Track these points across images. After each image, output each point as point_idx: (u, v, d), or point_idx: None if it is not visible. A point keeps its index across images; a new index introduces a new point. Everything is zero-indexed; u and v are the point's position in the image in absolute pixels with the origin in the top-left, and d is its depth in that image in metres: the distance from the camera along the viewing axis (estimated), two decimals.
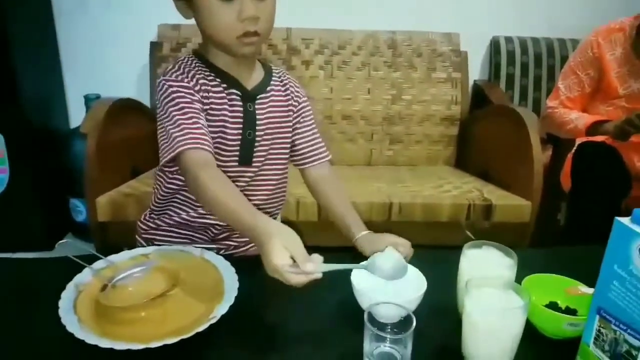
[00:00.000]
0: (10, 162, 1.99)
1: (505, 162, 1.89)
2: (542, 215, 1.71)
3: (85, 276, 0.80)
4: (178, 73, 0.88)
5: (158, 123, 0.88)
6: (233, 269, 0.81)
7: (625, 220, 0.57)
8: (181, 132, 0.82)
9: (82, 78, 2.33)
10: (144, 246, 1.03)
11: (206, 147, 0.83)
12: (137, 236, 1.07)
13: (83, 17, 2.26)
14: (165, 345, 0.62)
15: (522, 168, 1.72)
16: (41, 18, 2.17)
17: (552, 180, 1.76)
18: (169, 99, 0.85)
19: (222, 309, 0.69)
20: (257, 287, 0.74)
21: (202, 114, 0.86)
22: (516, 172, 1.77)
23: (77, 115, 2.34)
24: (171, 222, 0.99)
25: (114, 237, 1.63)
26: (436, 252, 0.93)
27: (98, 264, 0.83)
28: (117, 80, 2.31)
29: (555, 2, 2.42)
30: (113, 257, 0.85)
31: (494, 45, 2.39)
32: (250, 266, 0.73)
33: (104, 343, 0.62)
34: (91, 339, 0.63)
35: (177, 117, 0.83)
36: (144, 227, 1.03)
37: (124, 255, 0.87)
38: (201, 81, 0.88)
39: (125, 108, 1.81)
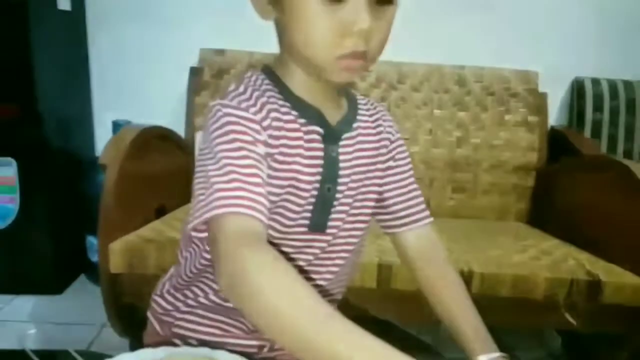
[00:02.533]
0: (22, 190, 1.77)
1: (604, 226, 1.54)
2: None
3: None
4: (243, 98, 0.59)
5: (198, 165, 0.58)
6: None
7: None
8: (229, 185, 0.53)
9: (113, 102, 2.13)
10: (158, 331, 0.74)
11: (259, 216, 0.53)
12: (149, 313, 0.77)
13: (118, 35, 2.09)
14: None
15: (633, 235, 1.38)
16: (72, 34, 2.00)
17: None
18: (222, 132, 0.56)
19: None
20: None
21: (264, 162, 0.57)
22: (623, 241, 1.43)
23: (102, 142, 2.12)
24: (199, 302, 0.69)
25: (128, 293, 1.35)
26: None
27: None
28: (150, 106, 2.09)
29: None
30: None
31: (577, 87, 2.08)
32: None
33: None
34: None
35: (229, 161, 0.54)
36: (162, 305, 0.73)
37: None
38: (273, 114, 0.60)
39: (155, 138, 1.56)
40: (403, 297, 1.26)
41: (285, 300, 0.45)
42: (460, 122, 2.00)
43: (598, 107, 2.04)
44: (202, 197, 0.54)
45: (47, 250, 1.86)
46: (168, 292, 0.73)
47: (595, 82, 2.07)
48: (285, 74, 0.63)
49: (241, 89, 0.60)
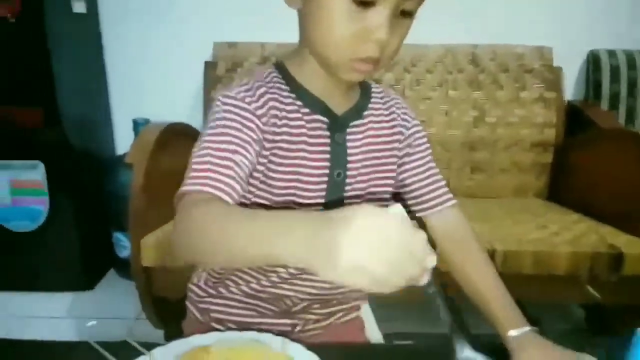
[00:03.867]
0: (50, 192, 1.82)
1: (625, 198, 1.55)
2: None
3: None
4: (242, 89, 0.63)
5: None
6: None
7: None
8: (201, 167, 0.58)
9: (130, 100, 2.16)
10: (197, 318, 0.78)
11: (223, 195, 0.57)
12: (187, 302, 0.81)
13: (132, 35, 2.11)
14: None
15: None
16: (87, 36, 2.03)
17: None
18: (212, 118, 0.62)
19: None
20: None
21: (250, 147, 0.61)
22: None
23: (123, 141, 2.17)
24: (233, 292, 0.73)
25: (160, 285, 1.40)
26: None
27: None
28: (167, 103, 2.12)
29: None
30: (159, 352, 0.59)
31: (593, 60, 2.06)
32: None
33: None
34: None
35: (207, 146, 0.59)
36: (200, 293, 0.77)
37: (174, 347, 0.60)
38: (271, 103, 0.64)
39: (176, 134, 1.59)
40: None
41: (211, 219, 0.52)
42: (476, 102, 1.99)
43: (615, 79, 2.02)
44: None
45: (77, 248, 1.91)
46: (205, 282, 0.77)
47: (612, 53, 2.04)
48: (298, 64, 0.66)
49: (245, 80, 0.65)
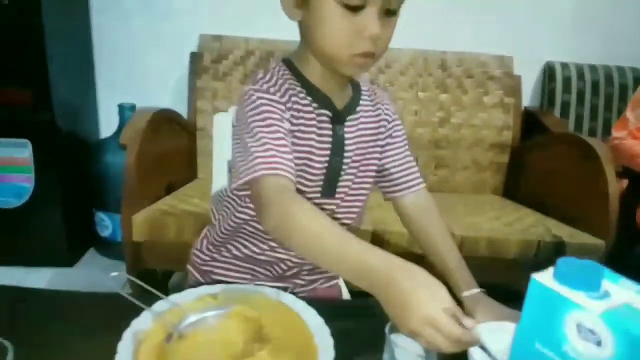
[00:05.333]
0: (36, 170, 1.88)
1: (569, 196, 1.74)
2: (614, 256, 1.55)
3: (144, 321, 0.66)
4: (269, 85, 0.74)
5: (235, 138, 0.75)
6: (321, 320, 0.67)
7: (546, 277, 0.43)
8: (266, 154, 0.68)
9: (116, 86, 2.23)
10: (198, 279, 0.90)
11: (290, 176, 0.68)
12: (189, 266, 0.93)
13: (120, 23, 2.17)
14: None
15: (593, 203, 1.58)
16: (78, 21, 2.08)
17: (624, 218, 1.61)
18: (256, 111, 0.71)
19: None
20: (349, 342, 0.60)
21: (289, 136, 0.73)
22: (584, 208, 1.63)
23: (107, 125, 2.23)
24: (234, 254, 0.85)
25: (146, 259, 1.50)
26: None
27: (158, 306, 0.69)
28: (152, 90, 2.20)
29: (614, 28, 2.30)
30: (175, 297, 0.71)
31: (549, 71, 2.26)
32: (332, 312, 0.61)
33: None
34: None
35: (263, 134, 0.70)
36: (202, 257, 0.89)
37: (188, 294, 0.73)
38: (293, 98, 0.75)
39: (165, 119, 1.69)
40: None
41: (321, 228, 0.62)
42: (443, 104, 2.16)
43: (567, 89, 2.22)
44: (242, 164, 0.70)
45: (60, 226, 1.97)
46: (207, 247, 0.89)
47: (565, 65, 2.25)
48: (302, 64, 0.78)
49: (267, 77, 0.76)
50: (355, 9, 0.66)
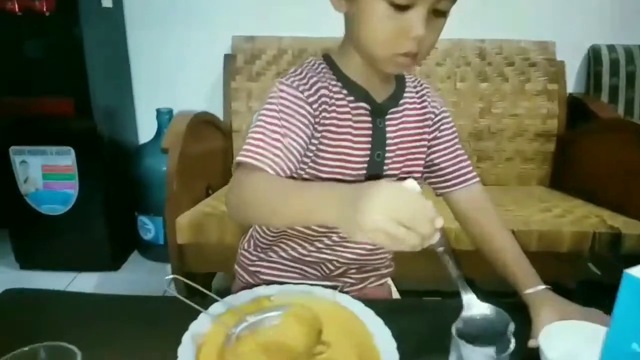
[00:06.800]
0: (80, 177, 1.92)
1: (621, 184, 1.66)
2: None
3: (202, 324, 0.64)
4: (297, 78, 0.72)
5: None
6: (380, 320, 0.65)
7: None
8: (255, 142, 0.68)
9: (152, 91, 2.25)
10: (247, 280, 0.89)
11: (266, 168, 0.67)
12: (237, 267, 0.92)
13: (155, 29, 2.19)
14: None
15: None
16: (114, 30, 2.11)
17: None
18: (268, 101, 0.72)
19: None
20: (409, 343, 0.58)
21: (302, 130, 0.70)
22: (639, 196, 1.54)
23: (145, 130, 2.26)
24: (280, 255, 0.84)
25: (190, 261, 1.50)
26: None
27: (214, 308, 0.67)
28: (188, 94, 2.22)
29: None
30: (231, 299, 0.70)
31: (594, 55, 2.16)
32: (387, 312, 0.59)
33: None
34: None
35: (264, 125, 0.69)
36: (250, 257, 0.88)
37: (243, 296, 0.71)
38: (323, 91, 0.73)
39: (203, 122, 1.69)
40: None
41: (264, 184, 0.64)
42: (483, 94, 2.09)
43: (614, 72, 2.12)
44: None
45: (103, 231, 2.01)
46: (254, 248, 0.87)
47: (611, 48, 2.14)
48: (342, 57, 0.75)
49: (299, 70, 0.74)
50: (403, 8, 0.63)
